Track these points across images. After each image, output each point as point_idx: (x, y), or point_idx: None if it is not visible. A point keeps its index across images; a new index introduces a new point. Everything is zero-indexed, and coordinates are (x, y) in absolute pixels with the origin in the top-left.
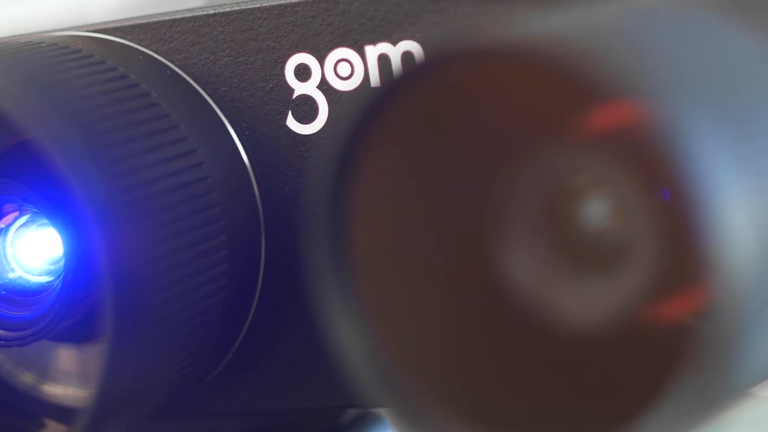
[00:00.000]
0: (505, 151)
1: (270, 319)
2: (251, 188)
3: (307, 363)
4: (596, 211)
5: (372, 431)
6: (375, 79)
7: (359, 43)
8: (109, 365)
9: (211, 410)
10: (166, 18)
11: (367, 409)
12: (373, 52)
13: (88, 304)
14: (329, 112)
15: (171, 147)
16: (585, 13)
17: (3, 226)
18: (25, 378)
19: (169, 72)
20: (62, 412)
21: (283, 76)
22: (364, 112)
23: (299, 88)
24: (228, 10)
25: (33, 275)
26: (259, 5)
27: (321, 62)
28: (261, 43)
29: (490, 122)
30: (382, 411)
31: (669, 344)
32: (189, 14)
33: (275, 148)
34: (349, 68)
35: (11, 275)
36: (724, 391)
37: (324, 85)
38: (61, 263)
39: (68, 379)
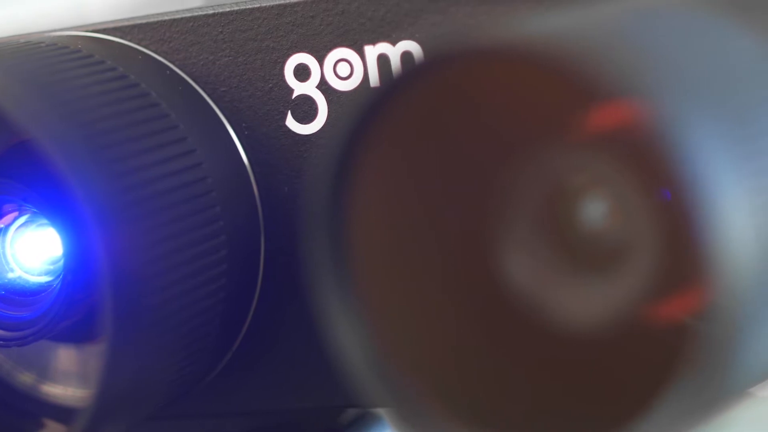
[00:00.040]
0: (504, 151)
1: (269, 319)
2: (251, 188)
3: (306, 363)
4: (596, 211)
5: (371, 431)
6: (374, 79)
7: (359, 43)
8: (109, 365)
9: (210, 410)
10: (166, 18)
11: (367, 409)
12: (372, 52)
13: (88, 304)
14: (329, 112)
15: (170, 147)
16: (585, 13)
17: (2, 226)
18: (25, 378)
19: (168, 72)
20: (62, 412)
21: (283, 76)
22: (363, 112)
23: (299, 88)
24: (227, 10)
25: (32, 275)
26: (258, 5)
27: (320, 62)
28: (260, 43)
29: (489, 122)
30: (381, 411)
31: (668, 344)
32: (188, 14)
33: (275, 148)
34: (348, 68)
35: (11, 275)
36: (723, 391)
37: (323, 85)
38: (61, 263)
39: (68, 379)
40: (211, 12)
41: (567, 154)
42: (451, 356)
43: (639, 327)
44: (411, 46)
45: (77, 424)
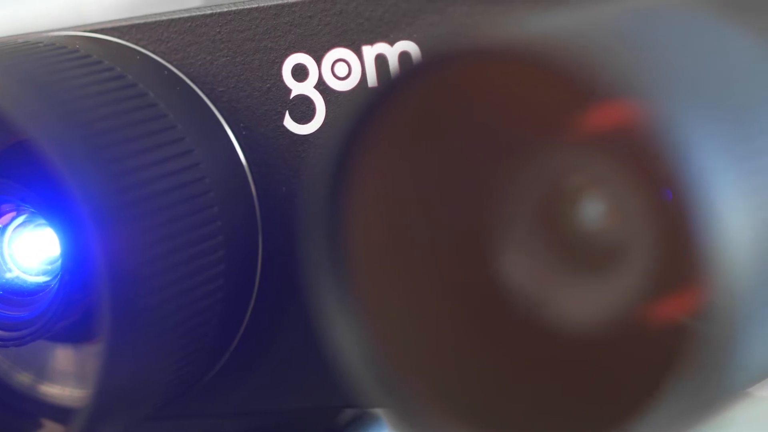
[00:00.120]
0: (502, 151)
1: (267, 320)
2: (248, 188)
3: (304, 363)
4: (594, 211)
5: (369, 431)
6: (372, 79)
7: (356, 43)
8: (107, 365)
9: (208, 410)
10: (164, 18)
11: (365, 409)
12: (370, 52)
13: (86, 304)
14: (326, 112)
15: (168, 147)
16: (582, 13)
17: (0, 226)
18: (22, 378)
19: (166, 72)
20: (59, 412)
21: (281, 76)
22: (361, 112)
23: (296, 88)
24: (225, 10)
25: (30, 275)
26: (256, 5)
27: (318, 62)
28: (258, 44)
29: (487, 122)
30: (379, 411)
31: (666, 344)
32: (186, 14)
33: (272, 148)
34: (346, 68)
35: (8, 275)
36: (722, 391)
37: (321, 85)
38: (59, 263)
39: (65, 379)
40: (209, 12)
41: (565, 154)
42: (449, 356)
43: (637, 327)
44: (409, 46)
45: (75, 424)
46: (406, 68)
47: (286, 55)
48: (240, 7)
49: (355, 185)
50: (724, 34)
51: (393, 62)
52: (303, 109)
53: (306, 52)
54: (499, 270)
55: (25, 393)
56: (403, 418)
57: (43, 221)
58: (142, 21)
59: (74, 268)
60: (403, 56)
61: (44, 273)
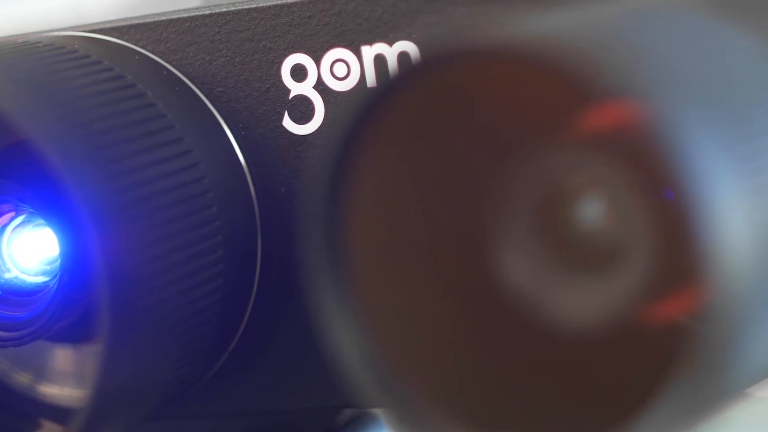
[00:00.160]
0: (501, 151)
1: (266, 320)
2: (248, 189)
3: (303, 363)
4: (592, 211)
5: (368, 431)
6: (371, 80)
7: (355, 43)
8: (106, 365)
9: (207, 411)
10: (163, 18)
11: (364, 409)
12: (369, 52)
13: (85, 304)
14: (325, 112)
15: (167, 147)
16: (582, 14)
17: None
18: (22, 378)
19: (165, 72)
20: (58, 413)
21: (280, 76)
22: (360, 113)
23: (295, 88)
24: (224, 10)
25: (29, 275)
26: (255, 5)
27: (317, 62)
28: (257, 44)
29: (486, 122)
30: (378, 411)
31: (665, 344)
32: (185, 14)
33: (271, 149)
34: (345, 68)
35: (7, 275)
36: (721, 392)
37: (320, 86)
38: (58, 263)
39: (64, 379)
40: (208, 12)
41: (564, 154)
42: (448, 356)
43: (636, 327)
44: (408, 46)
45: (74, 425)
46: (405, 68)
47: (285, 56)
48: (239, 8)
49: (354, 185)
50: (724, 34)
51: (392, 62)
52: (302, 110)
53: (305, 53)
54: (498, 270)
55: (24, 393)
56: (403, 418)
57: (42, 221)
58: (141, 21)
59: (73, 268)
60: (402, 56)
61: (43, 273)
